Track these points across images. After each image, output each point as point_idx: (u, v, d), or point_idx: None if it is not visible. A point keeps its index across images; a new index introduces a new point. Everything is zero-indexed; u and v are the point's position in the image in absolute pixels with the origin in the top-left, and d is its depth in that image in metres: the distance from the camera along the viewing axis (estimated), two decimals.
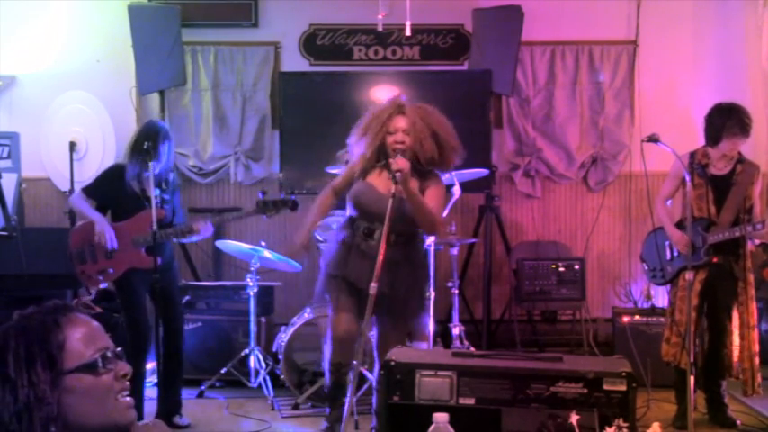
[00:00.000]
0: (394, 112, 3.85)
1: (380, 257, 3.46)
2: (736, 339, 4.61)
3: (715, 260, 4.56)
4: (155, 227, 4.34)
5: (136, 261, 4.57)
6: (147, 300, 4.69)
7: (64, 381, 1.59)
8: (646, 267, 4.95)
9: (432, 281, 5.24)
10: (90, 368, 1.62)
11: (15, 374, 1.56)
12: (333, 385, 4.04)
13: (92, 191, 4.72)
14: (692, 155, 4.66)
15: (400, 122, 3.81)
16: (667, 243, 4.76)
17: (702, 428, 4.59)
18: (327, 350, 4.03)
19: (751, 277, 4.61)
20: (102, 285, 4.74)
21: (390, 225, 3.63)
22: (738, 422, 4.66)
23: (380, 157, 3.89)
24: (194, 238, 4.77)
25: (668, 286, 4.83)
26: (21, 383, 1.55)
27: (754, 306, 4.60)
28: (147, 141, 4.44)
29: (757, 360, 4.59)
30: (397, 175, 3.60)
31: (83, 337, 1.64)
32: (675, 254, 4.71)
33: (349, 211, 3.99)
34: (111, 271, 4.60)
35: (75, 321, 1.65)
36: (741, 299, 4.58)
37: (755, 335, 4.59)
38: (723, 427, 4.65)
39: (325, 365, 4.09)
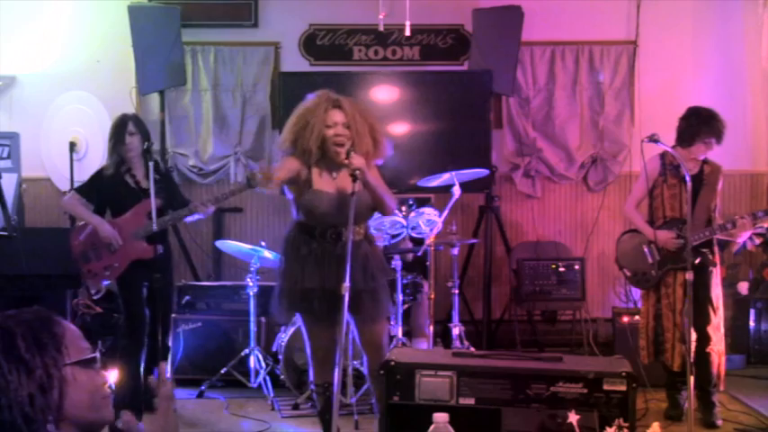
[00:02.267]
0: (329, 105, 3.76)
1: (349, 258, 3.39)
2: (714, 337, 4.65)
3: (698, 261, 4.58)
4: (153, 213, 4.39)
5: (138, 253, 4.67)
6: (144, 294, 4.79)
7: (66, 371, 1.60)
8: (627, 273, 4.88)
9: (431, 280, 5.25)
10: (90, 363, 1.65)
11: (28, 356, 1.55)
12: (323, 407, 3.89)
13: (85, 191, 4.84)
14: (662, 156, 4.70)
15: (338, 116, 3.73)
16: (645, 248, 4.74)
17: (695, 428, 4.57)
18: (311, 371, 3.94)
19: (713, 271, 4.66)
20: (105, 283, 4.81)
21: (355, 222, 3.62)
22: (719, 422, 4.59)
23: (321, 152, 3.78)
24: (196, 216, 4.76)
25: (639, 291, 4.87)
26: (35, 365, 1.55)
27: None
28: (119, 131, 4.65)
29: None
30: (357, 173, 3.56)
31: (76, 335, 1.67)
32: (657, 257, 4.70)
33: (304, 220, 3.82)
34: (116, 265, 4.73)
35: (62, 323, 1.66)
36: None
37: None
38: (706, 427, 4.60)
39: (312, 387, 3.98)
